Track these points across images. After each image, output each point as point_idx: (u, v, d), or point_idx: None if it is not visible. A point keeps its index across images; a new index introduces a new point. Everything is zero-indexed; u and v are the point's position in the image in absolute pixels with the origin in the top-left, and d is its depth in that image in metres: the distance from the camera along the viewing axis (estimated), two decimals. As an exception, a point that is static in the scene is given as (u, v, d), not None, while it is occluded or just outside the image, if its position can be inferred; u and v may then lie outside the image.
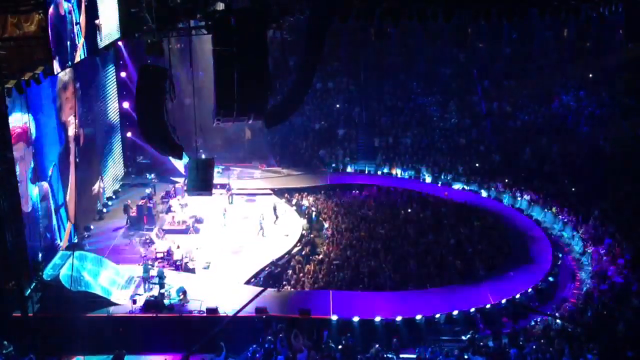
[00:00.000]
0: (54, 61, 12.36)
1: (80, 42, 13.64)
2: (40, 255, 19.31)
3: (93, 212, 25.82)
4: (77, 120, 23.33)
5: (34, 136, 19.19)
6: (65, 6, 12.58)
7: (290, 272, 21.36)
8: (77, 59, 13.74)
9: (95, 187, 26.49)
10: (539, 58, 35.62)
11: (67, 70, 19.15)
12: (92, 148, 25.88)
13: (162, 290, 18.76)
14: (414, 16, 16.97)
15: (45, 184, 20.33)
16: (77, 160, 23.09)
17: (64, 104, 21.96)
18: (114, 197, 28.22)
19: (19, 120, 17.88)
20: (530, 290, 20.39)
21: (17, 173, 17.00)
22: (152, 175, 28.84)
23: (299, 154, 33.52)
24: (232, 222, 25.55)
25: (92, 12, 13.87)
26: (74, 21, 13.11)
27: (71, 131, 22.64)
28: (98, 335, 16.95)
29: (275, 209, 25.75)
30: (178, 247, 22.29)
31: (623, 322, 17.20)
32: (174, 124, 14.74)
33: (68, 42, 12.97)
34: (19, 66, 14.40)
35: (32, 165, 19.15)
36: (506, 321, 19.05)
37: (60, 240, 21.53)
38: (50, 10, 11.93)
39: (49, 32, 11.92)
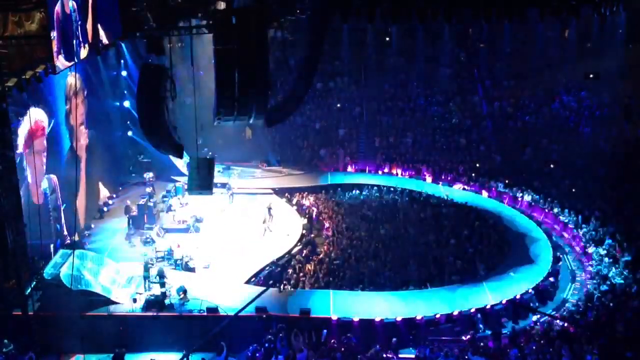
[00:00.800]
0: (60, 57, 12.41)
1: (87, 39, 13.70)
2: (51, 246, 20.23)
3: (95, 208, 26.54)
4: (84, 116, 24.38)
5: (47, 130, 20.10)
6: (70, 4, 12.63)
7: (290, 271, 21.38)
8: (83, 56, 13.81)
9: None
10: (539, 58, 35.58)
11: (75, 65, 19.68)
12: (96, 144, 26.26)
13: (163, 289, 18.78)
14: (414, 16, 17.00)
15: (54, 177, 20.94)
16: (86, 154, 24.27)
17: (72, 99, 22.65)
18: (114, 195, 28.25)
19: (39, 115, 19.32)
20: (530, 290, 20.38)
21: (31, 166, 18.53)
22: (151, 174, 28.85)
23: (300, 153, 33.52)
24: (232, 222, 25.53)
25: (97, 11, 13.93)
26: (79, 19, 13.17)
27: (78, 126, 23.52)
28: (98, 334, 16.98)
29: (269, 209, 25.66)
30: (178, 246, 22.30)
31: (623, 323, 17.20)
32: (175, 123, 14.78)
33: (74, 40, 13.04)
34: (20, 64, 14.42)
35: (45, 158, 20.03)
36: (506, 321, 19.08)
37: (70, 235, 22.27)
38: (57, 8, 12.00)
39: (55, 29, 11.96)
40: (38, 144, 19.67)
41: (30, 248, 16.88)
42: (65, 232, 21.93)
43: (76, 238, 22.39)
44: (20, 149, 18.06)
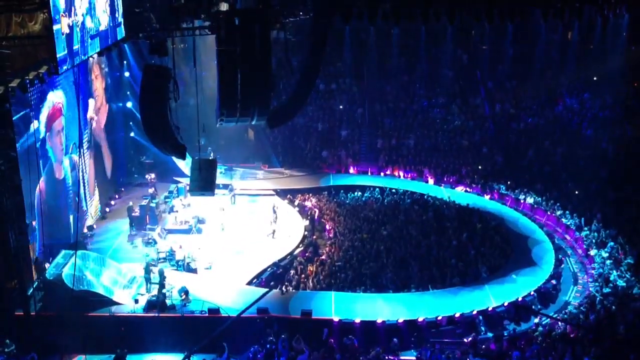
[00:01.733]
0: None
1: (96, 34, 13.80)
2: (71, 217, 21.73)
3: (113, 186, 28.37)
4: (103, 98, 26.36)
5: (65, 111, 21.31)
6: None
7: (292, 272, 21.36)
8: (92, 52, 13.90)
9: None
10: (542, 60, 35.56)
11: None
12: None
13: (164, 290, 18.79)
14: (416, 17, 16.99)
15: (74, 156, 22.07)
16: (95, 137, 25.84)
17: (92, 82, 25.10)
18: (116, 196, 28.28)
19: (56, 97, 20.59)
20: (532, 293, 20.34)
21: (53, 147, 20.47)
22: (153, 175, 28.87)
23: (302, 154, 33.51)
24: (234, 223, 25.53)
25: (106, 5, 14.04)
26: (90, 13, 13.27)
27: (93, 109, 25.35)
28: (100, 334, 16.97)
29: (274, 209, 25.66)
30: (180, 247, 22.30)
31: (624, 325, 17.16)
32: (178, 124, 14.78)
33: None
34: (23, 65, 14.44)
35: (65, 138, 21.39)
36: (508, 324, 19.03)
37: (87, 208, 24.45)
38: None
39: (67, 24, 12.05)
40: (57, 124, 20.69)
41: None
42: (85, 207, 23.72)
43: (95, 213, 24.23)
44: (42, 134, 18.89)
